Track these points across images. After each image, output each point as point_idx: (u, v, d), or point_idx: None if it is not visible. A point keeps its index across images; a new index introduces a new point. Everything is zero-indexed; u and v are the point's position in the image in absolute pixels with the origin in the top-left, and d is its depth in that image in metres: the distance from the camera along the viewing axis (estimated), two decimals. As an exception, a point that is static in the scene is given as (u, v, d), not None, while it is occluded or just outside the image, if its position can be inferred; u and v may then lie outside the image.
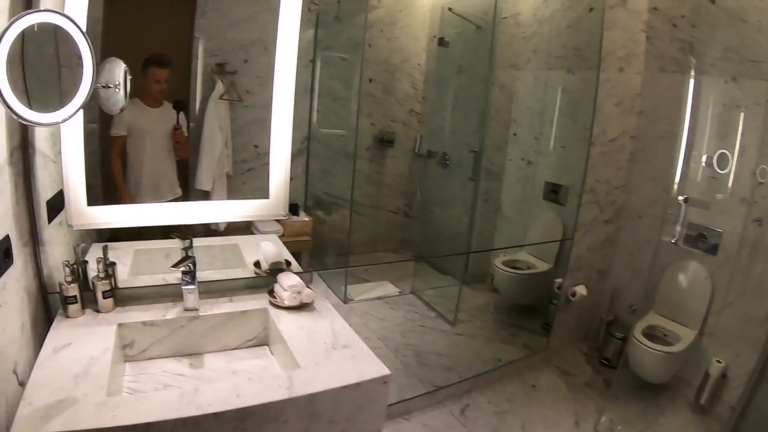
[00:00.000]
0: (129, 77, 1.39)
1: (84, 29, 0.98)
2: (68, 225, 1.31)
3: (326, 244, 2.16)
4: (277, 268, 1.55)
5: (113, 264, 1.40)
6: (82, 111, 1.20)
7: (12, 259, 1.07)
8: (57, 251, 1.34)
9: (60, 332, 1.20)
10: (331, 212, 2.18)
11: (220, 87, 1.85)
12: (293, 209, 1.97)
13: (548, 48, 2.77)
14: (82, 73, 1.00)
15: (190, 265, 1.32)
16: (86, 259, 1.41)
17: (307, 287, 1.44)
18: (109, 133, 1.50)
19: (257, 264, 1.60)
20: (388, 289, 2.30)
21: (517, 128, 2.72)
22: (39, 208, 1.26)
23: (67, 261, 1.27)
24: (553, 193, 2.65)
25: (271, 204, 1.54)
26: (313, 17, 2.28)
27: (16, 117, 0.85)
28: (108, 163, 1.55)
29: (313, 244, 2.04)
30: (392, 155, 2.44)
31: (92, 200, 1.41)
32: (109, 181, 1.55)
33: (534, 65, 2.77)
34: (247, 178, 1.79)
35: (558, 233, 2.64)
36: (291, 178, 1.86)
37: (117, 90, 1.41)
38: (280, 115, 1.53)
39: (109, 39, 1.74)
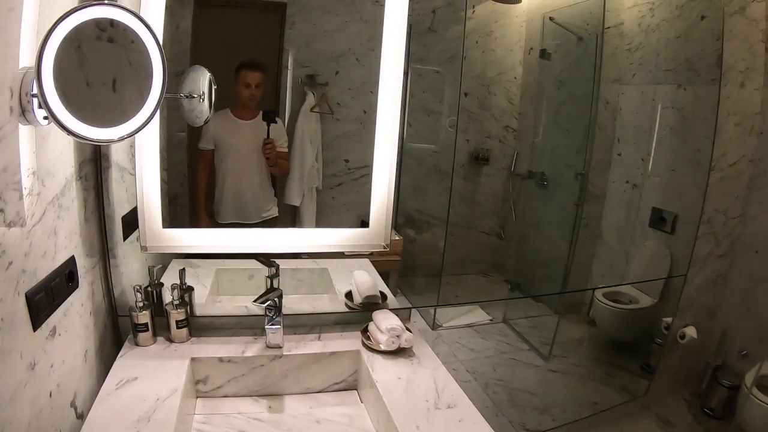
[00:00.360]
0: (214, 87, 1.37)
1: (155, 31, 0.88)
2: (141, 247, 1.24)
3: (416, 264, 2.05)
4: (371, 302, 1.43)
5: (190, 289, 1.31)
6: (156, 123, 1.20)
7: (77, 282, 1.01)
8: (132, 269, 1.29)
9: (127, 362, 1.12)
10: (423, 231, 2.07)
11: (310, 99, 1.82)
12: (382, 227, 1.88)
13: (656, 61, 2.53)
14: (150, 84, 0.88)
15: (276, 299, 1.21)
16: (162, 281, 1.32)
17: (407, 330, 1.29)
18: (197, 146, 1.48)
19: (349, 295, 1.48)
20: (479, 315, 2.15)
21: (622, 148, 2.48)
22: (113, 224, 1.21)
23: (139, 286, 1.19)
24: (661, 220, 2.38)
25: (371, 233, 1.41)
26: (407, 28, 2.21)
27: (63, 130, 0.77)
28: (194, 177, 1.53)
29: (402, 264, 1.92)
30: (487, 173, 2.31)
31: (173, 219, 1.37)
32: (193, 198, 1.52)
33: (640, 79, 2.54)
34: (336, 192, 1.74)
35: (664, 265, 2.36)
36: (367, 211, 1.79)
37: (201, 100, 1.39)
38: (383, 135, 1.42)
39: (198, 51, 1.77)
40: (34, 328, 0.81)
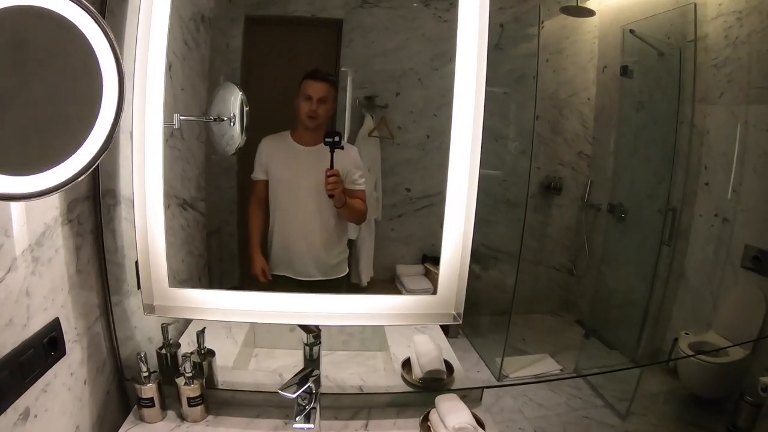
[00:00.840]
0: (246, 108, 1.26)
1: (102, 21, 0.62)
2: (145, 306, 1.03)
3: (480, 302, 1.86)
4: (435, 378, 1.18)
5: (210, 354, 1.10)
6: (158, 152, 1.03)
7: (63, 349, 0.86)
8: (148, 322, 1.10)
9: None
10: (489, 267, 1.88)
11: (369, 122, 1.71)
12: (442, 262, 1.70)
13: (747, 77, 2.26)
14: (98, 107, 0.62)
15: (312, 384, 0.97)
16: (181, 341, 1.14)
17: (480, 426, 1.02)
18: (250, 176, 1.33)
19: (407, 365, 1.25)
20: (549, 365, 1.93)
21: (710, 177, 2.22)
22: (122, 272, 1.04)
23: (143, 354, 1.00)
24: (756, 260, 2.09)
25: (438, 301, 1.11)
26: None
27: None
28: (244, 214, 1.36)
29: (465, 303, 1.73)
30: (558, 204, 2.10)
31: (212, 279, 1.29)
32: (243, 238, 1.36)
33: (729, 98, 2.27)
34: (396, 224, 1.62)
35: (759, 311, 2.06)
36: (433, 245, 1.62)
37: (231, 124, 1.27)
38: (458, 171, 1.19)
39: (249, 71, 1.68)
40: (-6, 415, 0.68)
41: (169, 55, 1.15)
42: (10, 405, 0.70)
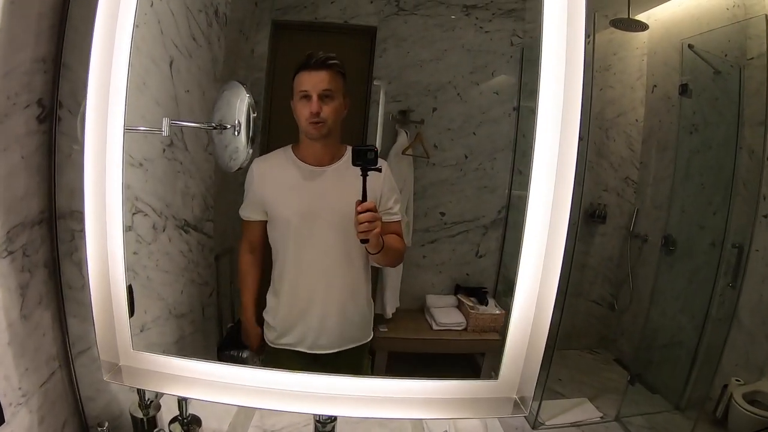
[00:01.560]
0: (253, 114, 1.00)
1: None
2: (104, 365, 0.77)
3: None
4: None
5: (196, 422, 0.87)
6: (117, 177, 0.73)
7: (0, 417, 0.68)
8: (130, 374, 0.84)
9: None
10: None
11: (403, 139, 1.59)
12: (481, 297, 1.56)
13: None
14: None
15: None
16: (161, 402, 0.88)
17: None
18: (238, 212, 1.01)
19: None
20: (588, 411, 1.77)
21: (769, 208, 2.02)
22: (88, 311, 0.77)
23: (105, 426, 0.78)
24: (819, 301, 1.89)
25: (500, 385, 0.77)
26: (517, 53, 1.91)
27: None
28: (238, 265, 1.03)
29: (501, 343, 1.58)
30: (602, 233, 1.94)
31: (222, 308, 1.08)
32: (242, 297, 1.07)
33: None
34: (428, 251, 1.48)
35: (820, 358, 1.86)
36: (480, 255, 1.46)
37: (235, 133, 0.99)
38: (541, 215, 0.77)
39: (274, 79, 1.57)
40: None
41: (169, 47, 1.00)
42: None
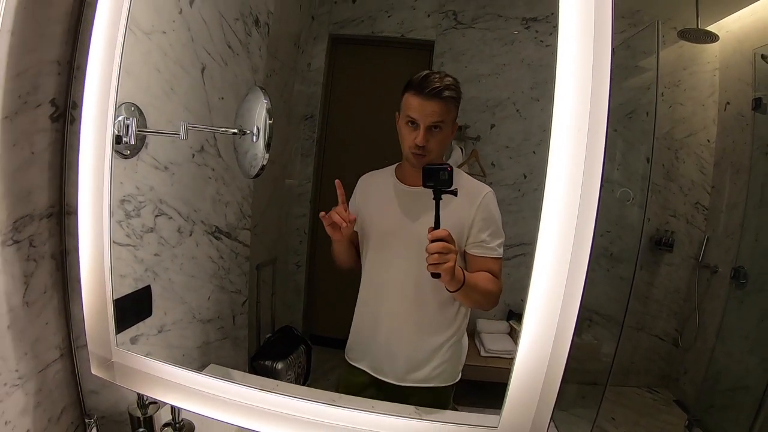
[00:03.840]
0: (269, 121, 0.97)
1: None
2: (93, 359, 0.78)
3: (566, 369, 1.61)
4: None
5: (189, 428, 0.85)
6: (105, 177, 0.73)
7: None
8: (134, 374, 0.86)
9: None
10: (581, 330, 1.63)
11: (458, 155, 1.53)
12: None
13: None
14: None
15: None
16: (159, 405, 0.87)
17: None
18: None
19: None
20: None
21: None
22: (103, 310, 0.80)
23: (93, 418, 0.81)
24: None
25: (505, 426, 0.66)
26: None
27: None
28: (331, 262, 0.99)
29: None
30: (668, 262, 1.82)
31: (251, 317, 1.13)
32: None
33: None
34: None
35: None
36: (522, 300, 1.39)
37: (254, 139, 0.98)
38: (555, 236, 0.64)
39: (331, 92, 1.56)
40: None
41: (200, 54, 0.99)
42: None
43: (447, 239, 0.76)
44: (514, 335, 1.49)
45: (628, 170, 1.70)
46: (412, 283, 0.87)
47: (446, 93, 0.82)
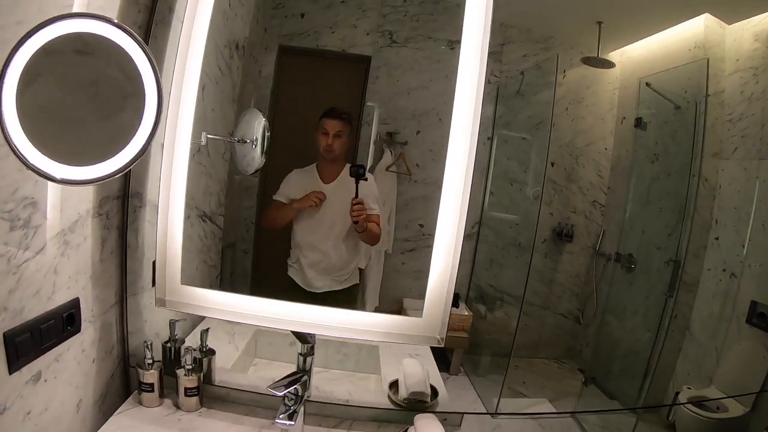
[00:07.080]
0: (267, 134, 1.31)
1: (147, 50, 0.73)
2: (157, 300, 1.10)
3: (483, 342, 1.86)
4: (418, 400, 1.20)
5: (211, 353, 1.18)
6: (183, 164, 1.06)
7: (79, 326, 0.94)
8: (159, 318, 1.19)
9: (122, 421, 1.03)
10: (495, 308, 1.87)
11: (387, 157, 1.73)
12: (453, 300, 1.71)
13: (760, 133, 2.26)
14: (141, 115, 0.75)
15: (299, 387, 1.02)
16: (186, 338, 1.21)
17: None
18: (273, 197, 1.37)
19: (394, 386, 1.26)
20: (545, 409, 1.89)
21: (720, 231, 2.21)
22: (140, 267, 1.14)
23: (149, 342, 1.09)
24: (760, 316, 2.07)
25: (424, 324, 1.12)
26: (494, 90, 2.06)
27: (27, 166, 0.69)
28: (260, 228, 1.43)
29: (469, 341, 1.72)
30: (569, 251, 2.09)
31: (220, 274, 1.34)
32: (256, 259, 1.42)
33: (742, 154, 2.28)
34: (407, 258, 1.64)
35: (761, 369, 2.03)
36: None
37: (254, 146, 1.33)
38: (449, 206, 1.13)
39: (279, 97, 1.71)
40: (10, 371, 0.75)
41: (203, 78, 1.20)
42: (26, 365, 0.78)
43: (363, 203, 1.27)
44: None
45: (537, 173, 1.97)
46: (337, 234, 1.36)
47: (344, 116, 1.35)
